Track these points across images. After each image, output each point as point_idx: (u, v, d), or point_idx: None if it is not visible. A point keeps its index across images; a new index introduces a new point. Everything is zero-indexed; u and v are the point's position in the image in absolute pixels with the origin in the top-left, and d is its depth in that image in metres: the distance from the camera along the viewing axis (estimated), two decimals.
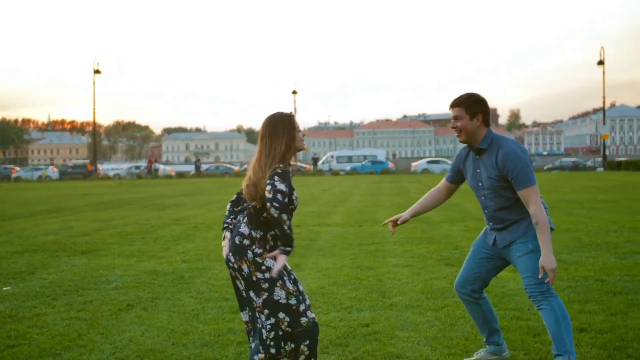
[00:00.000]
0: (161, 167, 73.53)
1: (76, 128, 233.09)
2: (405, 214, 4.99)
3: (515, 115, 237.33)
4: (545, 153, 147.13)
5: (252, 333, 4.24)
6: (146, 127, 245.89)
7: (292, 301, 4.08)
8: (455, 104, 4.62)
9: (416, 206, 5.05)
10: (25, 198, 29.59)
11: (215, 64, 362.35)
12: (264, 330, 4.07)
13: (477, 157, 4.69)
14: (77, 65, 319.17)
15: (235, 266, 4.09)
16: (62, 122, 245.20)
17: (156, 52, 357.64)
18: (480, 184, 4.68)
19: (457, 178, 4.95)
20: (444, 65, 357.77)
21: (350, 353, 5.21)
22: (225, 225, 4.30)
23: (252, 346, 4.17)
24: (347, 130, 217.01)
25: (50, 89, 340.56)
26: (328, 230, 13.76)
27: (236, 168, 70.90)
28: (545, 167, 69.95)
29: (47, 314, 6.66)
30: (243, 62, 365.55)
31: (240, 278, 4.12)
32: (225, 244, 4.21)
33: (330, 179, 49.55)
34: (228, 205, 4.40)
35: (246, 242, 4.08)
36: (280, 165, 4.12)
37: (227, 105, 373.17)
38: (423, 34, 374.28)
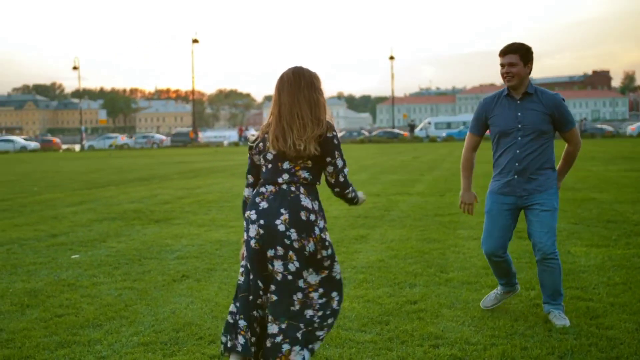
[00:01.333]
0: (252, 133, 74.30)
1: (181, 96, 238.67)
2: (473, 193, 5.38)
3: (629, 78, 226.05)
4: None
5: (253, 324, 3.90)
6: (248, 95, 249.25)
7: (341, 277, 4.02)
8: (511, 50, 4.98)
9: (470, 176, 5.40)
10: (121, 166, 30.50)
11: (317, 30, 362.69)
12: (310, 310, 3.86)
13: (518, 101, 5.07)
14: (181, 35, 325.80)
15: (296, 245, 3.76)
16: (168, 91, 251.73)
17: (258, 20, 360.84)
18: (519, 126, 5.03)
19: (483, 129, 5.29)
20: (551, 27, 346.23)
21: (387, 332, 5.03)
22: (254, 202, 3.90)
23: (277, 329, 3.82)
24: (449, 96, 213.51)
25: (158, 59, 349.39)
26: (407, 200, 13.51)
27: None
28: None
29: (103, 284, 6.77)
30: (342, 28, 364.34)
31: (295, 259, 3.78)
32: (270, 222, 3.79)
33: (426, 146, 48.93)
34: (251, 179, 4.03)
35: (312, 217, 3.81)
36: (334, 132, 3.86)
37: (327, 72, 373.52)
38: None
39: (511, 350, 4.57)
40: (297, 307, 3.83)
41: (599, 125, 70.73)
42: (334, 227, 9.99)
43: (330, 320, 3.93)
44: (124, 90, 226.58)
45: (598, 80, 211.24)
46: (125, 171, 26.07)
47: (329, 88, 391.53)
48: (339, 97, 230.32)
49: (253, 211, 3.84)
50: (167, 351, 4.75)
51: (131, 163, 33.17)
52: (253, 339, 3.89)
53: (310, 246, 3.79)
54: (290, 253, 3.77)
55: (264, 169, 3.92)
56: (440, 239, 8.85)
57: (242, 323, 3.88)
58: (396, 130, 71.38)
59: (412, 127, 69.80)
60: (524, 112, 5.01)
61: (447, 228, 9.79)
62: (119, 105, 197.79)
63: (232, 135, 77.07)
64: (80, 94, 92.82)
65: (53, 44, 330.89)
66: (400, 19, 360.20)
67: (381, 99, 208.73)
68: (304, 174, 3.83)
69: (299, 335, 3.82)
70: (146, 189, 17.58)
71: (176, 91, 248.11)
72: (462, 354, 4.55)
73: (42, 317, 5.61)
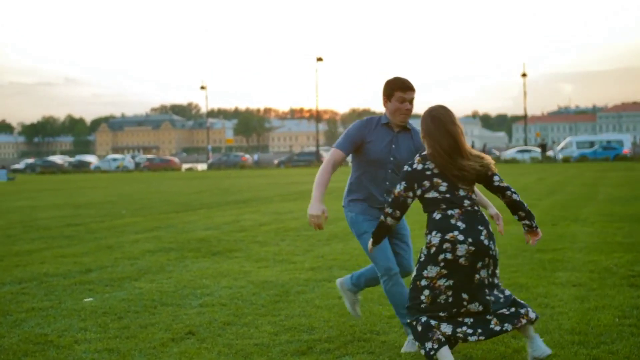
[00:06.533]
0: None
1: (314, 116, 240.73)
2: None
3: None
4: None
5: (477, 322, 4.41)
6: (381, 114, 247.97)
7: None
8: (413, 88, 5.03)
9: (323, 190, 5.07)
10: (229, 187, 29.80)
11: (450, 48, 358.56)
12: (507, 291, 4.60)
13: (397, 133, 5.13)
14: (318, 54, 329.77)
15: (492, 252, 4.44)
16: (301, 110, 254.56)
17: (391, 40, 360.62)
18: (391, 158, 5.07)
19: (351, 149, 5.09)
20: None
21: None
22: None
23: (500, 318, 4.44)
24: (589, 115, 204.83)
25: (293, 79, 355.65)
26: (510, 231, 11.62)
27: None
28: None
29: (87, 341, 5.53)
30: (475, 45, 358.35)
31: (491, 264, 4.47)
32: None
33: (555, 167, 45.95)
34: None
35: (490, 228, 4.49)
36: None
37: (462, 90, 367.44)
38: None
39: None
40: (495, 297, 4.50)
41: None
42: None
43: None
44: (258, 110, 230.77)
45: None
46: (229, 193, 25.29)
47: (464, 108, 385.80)
48: (474, 116, 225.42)
49: (456, 232, 4.35)
50: None
51: (242, 184, 32.48)
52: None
53: (496, 251, 4.51)
54: (487, 261, 4.44)
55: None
56: (530, 286, 7.15)
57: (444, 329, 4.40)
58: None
59: (543, 147, 66.21)
60: (398, 145, 5.11)
61: (545, 269, 8.06)
62: (252, 124, 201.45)
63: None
64: (214, 113, 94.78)
65: (191, 67, 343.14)
66: (536, 35, 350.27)
67: (517, 118, 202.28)
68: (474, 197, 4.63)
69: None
70: (236, 212, 16.55)
71: (309, 110, 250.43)
72: None
73: None
